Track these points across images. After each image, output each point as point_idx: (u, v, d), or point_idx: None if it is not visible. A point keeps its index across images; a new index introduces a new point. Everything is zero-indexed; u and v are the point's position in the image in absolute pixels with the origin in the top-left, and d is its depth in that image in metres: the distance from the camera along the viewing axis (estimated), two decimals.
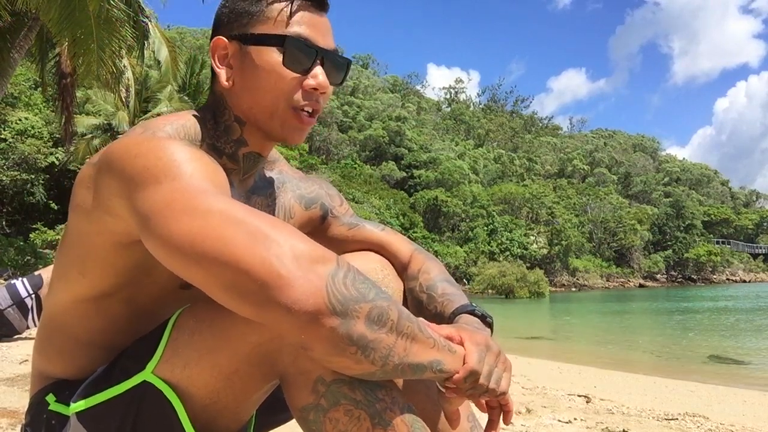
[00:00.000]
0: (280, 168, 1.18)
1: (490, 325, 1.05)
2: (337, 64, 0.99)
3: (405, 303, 1.16)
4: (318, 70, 0.96)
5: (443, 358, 0.83)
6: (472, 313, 1.06)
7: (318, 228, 1.20)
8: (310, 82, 0.95)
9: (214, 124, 1.00)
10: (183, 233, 0.75)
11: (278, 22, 0.94)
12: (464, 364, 0.85)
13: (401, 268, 1.17)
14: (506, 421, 0.96)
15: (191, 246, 0.74)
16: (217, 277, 0.73)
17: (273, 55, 0.94)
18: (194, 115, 1.00)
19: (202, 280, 0.75)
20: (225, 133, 1.00)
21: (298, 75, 0.95)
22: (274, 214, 1.11)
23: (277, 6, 0.95)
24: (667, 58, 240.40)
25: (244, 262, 0.72)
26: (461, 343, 0.87)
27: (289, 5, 0.95)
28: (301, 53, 0.94)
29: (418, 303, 1.14)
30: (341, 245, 1.20)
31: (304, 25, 0.95)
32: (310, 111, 0.97)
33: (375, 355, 0.76)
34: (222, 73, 0.97)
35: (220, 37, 0.97)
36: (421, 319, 0.84)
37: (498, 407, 0.95)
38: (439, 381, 0.86)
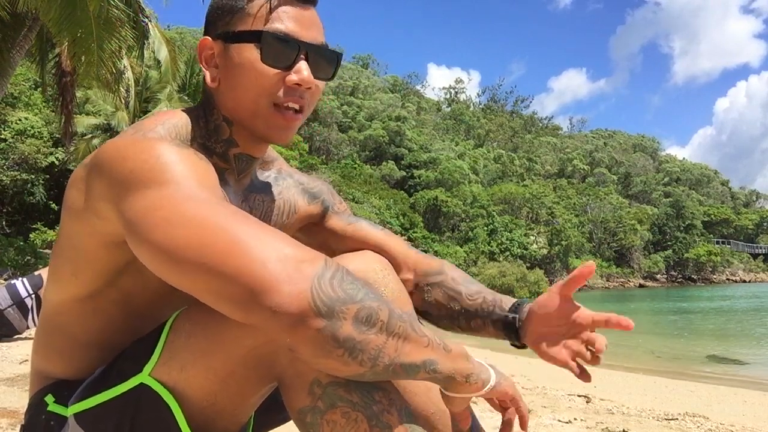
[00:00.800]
0: (279, 166, 1.18)
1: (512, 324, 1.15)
2: (324, 57, 0.96)
3: (403, 303, 1.15)
4: (301, 65, 0.93)
5: (437, 358, 0.81)
6: (518, 307, 1.16)
7: (318, 222, 1.21)
8: (292, 77, 0.92)
9: (205, 122, 0.99)
10: (168, 240, 0.75)
11: (258, 18, 0.92)
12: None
13: (398, 269, 1.17)
14: (523, 426, 0.97)
15: (176, 253, 0.74)
16: (203, 283, 0.73)
17: (252, 52, 0.92)
18: (187, 114, 0.99)
19: (190, 286, 0.75)
20: (215, 132, 0.99)
21: (280, 71, 0.92)
22: (273, 212, 1.11)
23: (258, 2, 0.93)
24: (667, 58, 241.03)
25: (229, 267, 0.71)
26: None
27: (269, 0, 0.93)
28: (280, 48, 0.92)
29: (449, 298, 1.19)
30: (340, 240, 1.20)
31: (285, 19, 0.93)
32: (297, 108, 0.95)
33: (363, 357, 0.75)
34: (208, 73, 0.96)
35: (206, 37, 0.97)
36: (432, 331, 0.84)
37: (510, 407, 0.97)
38: (438, 383, 0.85)
